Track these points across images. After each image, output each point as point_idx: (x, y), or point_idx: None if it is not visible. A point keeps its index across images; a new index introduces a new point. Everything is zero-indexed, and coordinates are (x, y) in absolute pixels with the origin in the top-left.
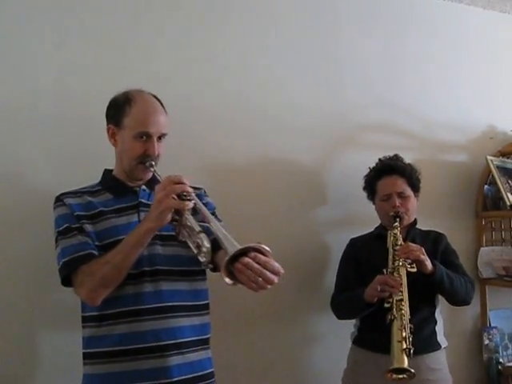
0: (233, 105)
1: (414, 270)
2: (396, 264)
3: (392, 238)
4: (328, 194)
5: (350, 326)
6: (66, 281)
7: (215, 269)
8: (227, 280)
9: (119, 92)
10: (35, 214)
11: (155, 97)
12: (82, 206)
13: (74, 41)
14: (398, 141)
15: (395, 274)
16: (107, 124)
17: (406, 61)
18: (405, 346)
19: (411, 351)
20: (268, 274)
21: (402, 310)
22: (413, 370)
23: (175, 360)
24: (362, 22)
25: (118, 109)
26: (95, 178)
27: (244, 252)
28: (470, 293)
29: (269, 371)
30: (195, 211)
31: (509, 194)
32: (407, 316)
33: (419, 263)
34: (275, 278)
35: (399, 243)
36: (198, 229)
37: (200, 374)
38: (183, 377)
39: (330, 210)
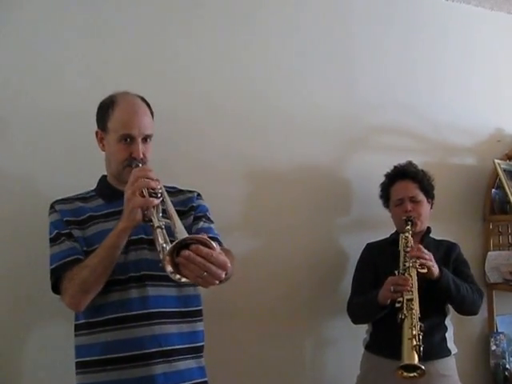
0: (245, 106)
1: (425, 270)
2: (407, 265)
3: (403, 240)
4: (341, 196)
5: (364, 331)
6: (56, 288)
7: None
8: (169, 268)
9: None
10: (38, 217)
11: (142, 98)
12: (71, 212)
13: (87, 40)
14: (406, 143)
15: (406, 274)
16: (97, 128)
17: (417, 63)
18: (415, 343)
19: (421, 348)
20: (213, 268)
21: (412, 309)
22: (423, 367)
23: (161, 369)
24: (375, 25)
25: (103, 113)
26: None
27: (185, 245)
28: (477, 302)
29: (281, 375)
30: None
31: None
32: (417, 315)
33: (428, 268)
34: (222, 273)
35: (410, 245)
36: (156, 224)
37: (189, 383)
38: None
39: (345, 214)
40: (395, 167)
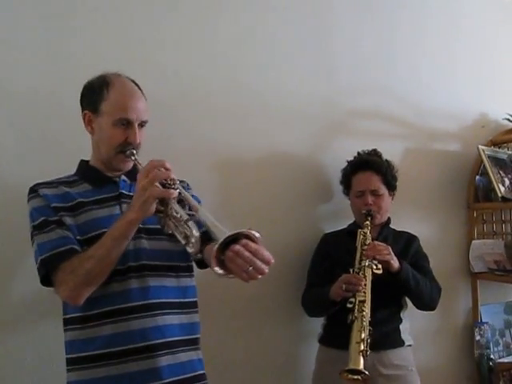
0: (221, 91)
1: (380, 271)
2: (362, 264)
3: (361, 236)
4: (321, 183)
5: None
6: (46, 280)
7: (202, 264)
8: (218, 270)
9: (94, 76)
10: (6, 205)
11: (133, 81)
12: (59, 197)
13: (61, 22)
14: (389, 128)
15: (360, 274)
16: (82, 110)
17: (399, 46)
18: (362, 348)
19: (368, 353)
20: (258, 263)
21: (363, 311)
22: (367, 373)
23: (165, 360)
24: (355, 7)
25: (95, 93)
26: (73, 168)
27: (234, 239)
28: (435, 298)
29: (263, 368)
30: (180, 200)
31: (500, 186)
32: (368, 318)
33: (386, 264)
34: (266, 268)
35: (368, 242)
36: (185, 217)
37: (191, 375)
38: (174, 378)
39: (325, 201)
40: (359, 155)
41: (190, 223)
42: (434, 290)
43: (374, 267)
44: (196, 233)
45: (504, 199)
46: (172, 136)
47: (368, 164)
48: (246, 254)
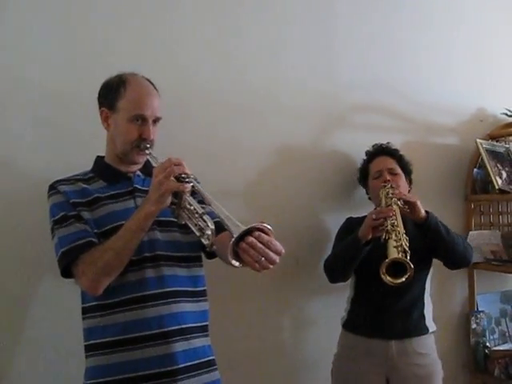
0: (222, 83)
1: (407, 210)
2: (389, 202)
3: (386, 190)
4: (321, 176)
5: (342, 311)
6: (66, 271)
7: (211, 255)
8: (234, 263)
9: (112, 75)
10: (26, 200)
11: (148, 80)
12: (77, 193)
13: (74, 13)
14: (388, 122)
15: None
16: (100, 107)
17: (399, 41)
18: (401, 249)
19: (407, 254)
20: (271, 253)
21: (397, 228)
22: (412, 266)
23: (180, 346)
24: (356, 5)
25: (112, 91)
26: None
27: (248, 232)
28: (468, 250)
29: (260, 355)
30: (193, 193)
31: (497, 178)
32: (402, 230)
33: (413, 205)
34: (277, 258)
35: (392, 192)
36: (200, 211)
37: (203, 360)
38: (188, 363)
39: (325, 193)
40: (374, 145)
41: (206, 217)
42: (465, 242)
43: (400, 204)
44: (212, 226)
45: (501, 191)
46: (175, 130)
47: (383, 150)
48: (259, 245)
